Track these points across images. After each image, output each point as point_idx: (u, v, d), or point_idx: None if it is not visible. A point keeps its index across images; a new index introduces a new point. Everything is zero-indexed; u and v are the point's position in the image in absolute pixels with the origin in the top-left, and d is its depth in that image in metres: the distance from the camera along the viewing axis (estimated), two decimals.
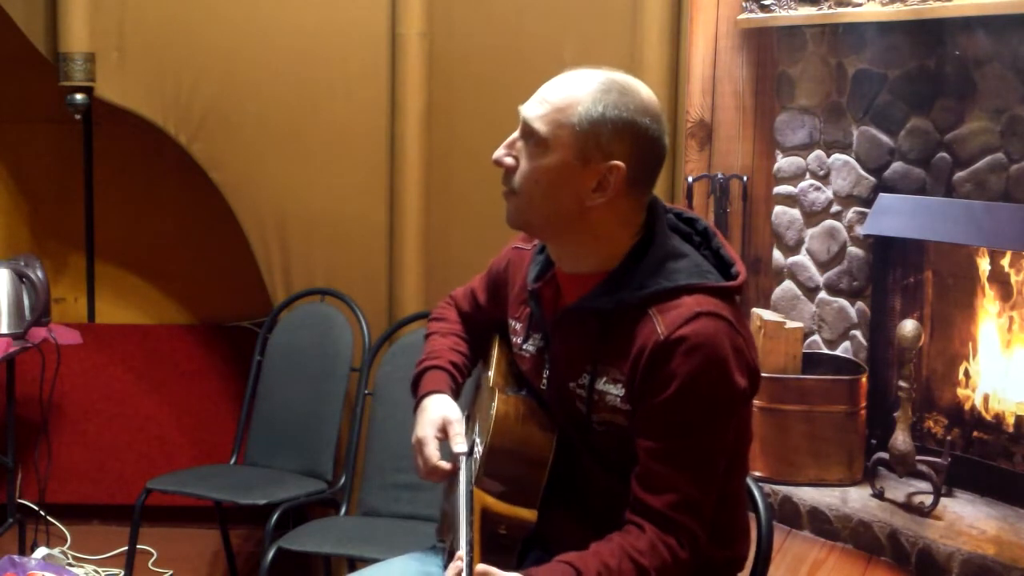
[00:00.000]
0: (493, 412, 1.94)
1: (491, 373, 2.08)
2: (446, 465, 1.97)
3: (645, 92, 1.88)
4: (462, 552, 1.77)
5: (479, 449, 1.96)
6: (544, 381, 1.97)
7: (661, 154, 1.89)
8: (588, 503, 1.94)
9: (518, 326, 2.05)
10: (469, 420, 2.13)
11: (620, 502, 1.85)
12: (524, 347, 2.02)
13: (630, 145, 1.84)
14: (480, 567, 1.73)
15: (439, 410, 2.03)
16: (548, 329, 1.96)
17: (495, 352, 2.13)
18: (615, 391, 1.85)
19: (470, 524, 1.82)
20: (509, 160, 1.90)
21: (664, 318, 1.81)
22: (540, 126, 1.85)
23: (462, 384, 2.16)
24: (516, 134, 1.90)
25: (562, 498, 1.95)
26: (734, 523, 1.98)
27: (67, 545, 4.05)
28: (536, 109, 1.86)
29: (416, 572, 2.05)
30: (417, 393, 2.11)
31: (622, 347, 1.84)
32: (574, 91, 1.85)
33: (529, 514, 1.88)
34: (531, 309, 1.99)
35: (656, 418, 1.80)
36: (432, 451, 1.98)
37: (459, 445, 1.97)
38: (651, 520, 1.80)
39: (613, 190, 1.84)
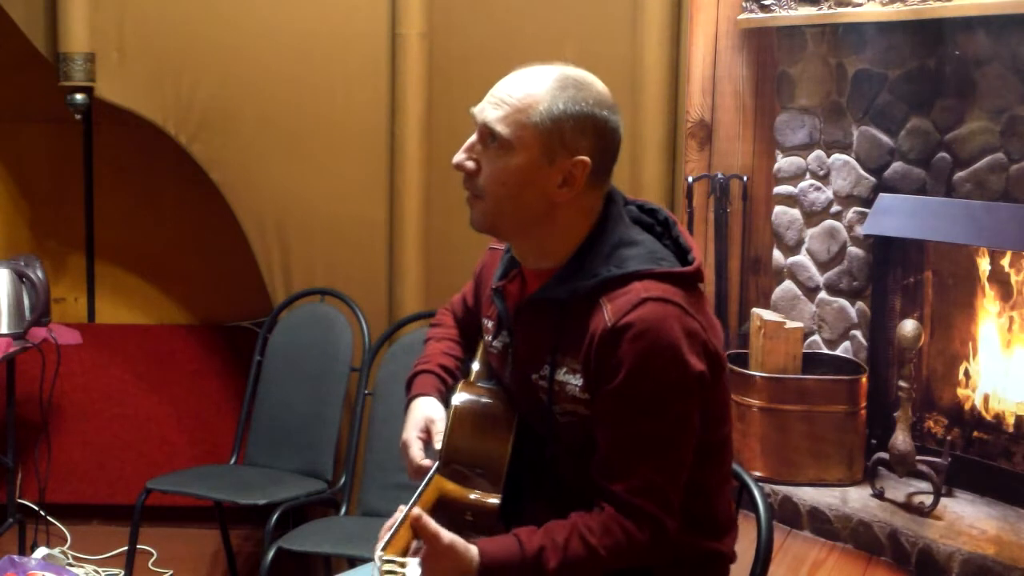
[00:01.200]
0: (453, 404, 1.98)
1: (474, 366, 2.12)
2: (429, 463, 1.99)
3: (599, 84, 1.90)
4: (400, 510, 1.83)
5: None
6: (508, 376, 2.00)
7: (619, 143, 1.91)
8: (563, 493, 1.95)
9: (489, 324, 2.07)
10: None
11: (592, 490, 1.87)
12: (493, 344, 2.05)
13: (592, 138, 1.86)
14: (416, 511, 1.76)
15: (422, 411, 2.07)
16: (511, 324, 1.98)
17: (478, 353, 2.17)
18: (574, 381, 1.87)
19: (419, 496, 1.88)
20: (470, 164, 1.90)
21: (612, 306, 1.82)
22: (501, 128, 1.85)
23: (453, 385, 2.17)
24: (474, 137, 1.90)
25: (538, 489, 1.98)
26: (717, 514, 1.98)
27: (67, 545, 4.05)
28: (494, 111, 1.86)
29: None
30: (407, 396, 2.15)
31: (577, 336, 1.86)
32: (531, 89, 1.85)
33: (493, 499, 1.90)
34: (497, 306, 2.01)
35: (609, 405, 1.82)
36: (415, 452, 2.01)
37: (439, 443, 1.99)
38: (611, 502, 1.82)
39: (579, 184, 1.86)
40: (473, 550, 1.78)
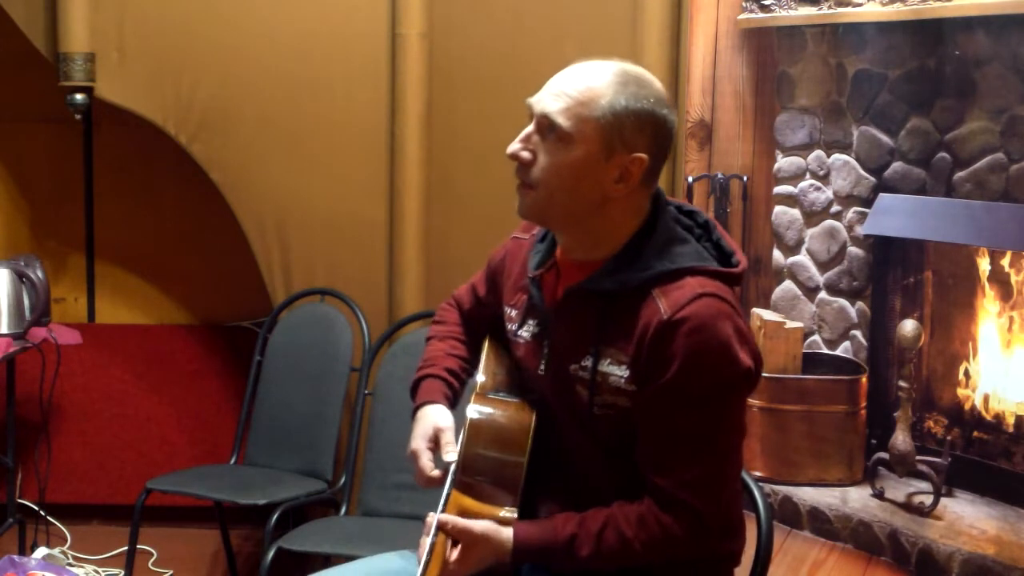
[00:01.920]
0: (468, 419, 1.97)
1: (479, 377, 2.11)
2: (438, 473, 1.99)
3: (657, 83, 1.90)
4: (427, 540, 1.85)
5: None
6: (542, 366, 1.98)
7: (672, 143, 1.92)
8: (588, 493, 1.95)
9: (513, 313, 2.06)
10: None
11: (621, 489, 1.87)
12: (519, 333, 2.03)
13: (651, 136, 1.86)
14: (442, 517, 1.83)
15: (431, 420, 2.05)
16: (548, 314, 1.97)
17: (484, 354, 2.15)
18: (619, 372, 1.86)
19: (443, 511, 1.89)
20: (526, 155, 1.89)
21: (667, 299, 1.82)
22: (563, 120, 1.84)
23: (460, 388, 2.17)
24: (531, 128, 1.89)
25: (562, 489, 1.97)
26: (731, 516, 1.98)
27: (67, 545, 4.05)
28: (555, 103, 1.85)
29: (399, 569, 2.06)
30: (414, 402, 2.14)
31: (625, 328, 1.85)
32: (593, 83, 1.84)
33: (509, 513, 1.90)
34: (530, 295, 2.00)
35: (660, 398, 1.82)
36: (425, 462, 2.01)
37: (449, 454, 1.99)
38: (653, 496, 1.83)
39: (634, 181, 1.86)
40: (507, 532, 1.83)
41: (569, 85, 1.85)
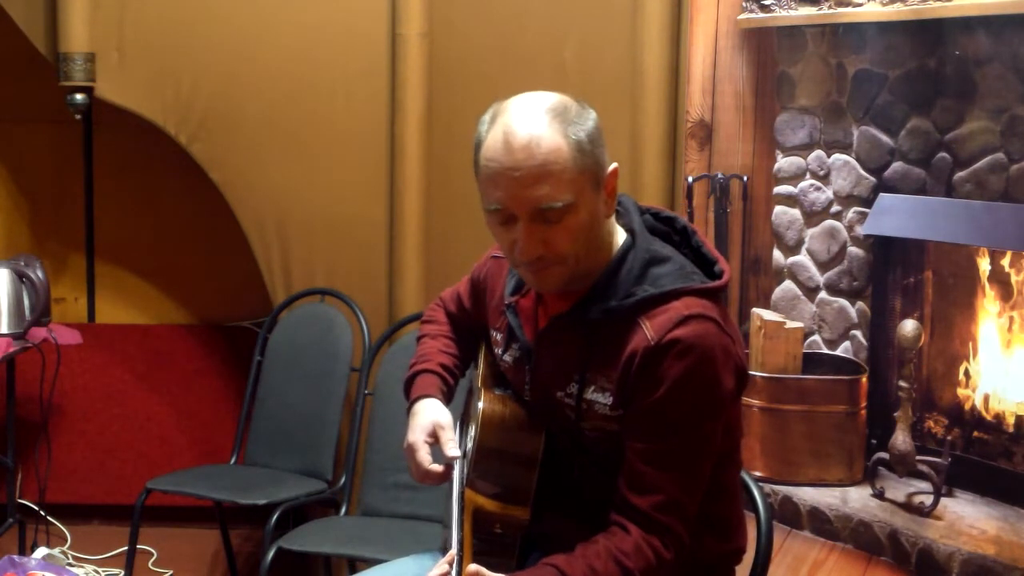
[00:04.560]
0: (480, 411, 1.95)
1: (480, 373, 2.10)
2: (438, 468, 1.97)
3: (563, 95, 1.86)
4: (452, 551, 1.79)
5: (471, 450, 1.97)
6: (527, 391, 1.98)
7: None
8: (586, 504, 1.95)
9: (498, 336, 2.05)
10: (463, 424, 2.14)
11: (612, 503, 1.86)
12: (503, 357, 2.03)
13: (603, 142, 1.85)
14: (472, 567, 1.74)
15: (429, 415, 2.03)
16: (527, 341, 1.96)
17: (482, 354, 2.14)
18: (603, 400, 1.86)
19: (460, 524, 1.85)
20: (548, 250, 1.82)
21: (652, 324, 1.81)
22: (565, 199, 1.78)
23: (454, 385, 2.16)
24: (525, 222, 1.80)
25: (560, 499, 1.96)
26: (730, 516, 1.99)
27: (67, 545, 4.05)
28: (542, 188, 1.77)
29: (418, 574, 2.05)
30: (408, 397, 2.12)
31: (610, 355, 1.84)
32: (546, 141, 1.78)
33: (522, 512, 1.89)
34: (508, 321, 1.99)
35: (645, 419, 1.81)
36: (423, 456, 1.99)
37: (451, 449, 1.97)
38: (635, 521, 1.81)
39: (615, 192, 1.86)
40: None
41: (532, 161, 1.77)
